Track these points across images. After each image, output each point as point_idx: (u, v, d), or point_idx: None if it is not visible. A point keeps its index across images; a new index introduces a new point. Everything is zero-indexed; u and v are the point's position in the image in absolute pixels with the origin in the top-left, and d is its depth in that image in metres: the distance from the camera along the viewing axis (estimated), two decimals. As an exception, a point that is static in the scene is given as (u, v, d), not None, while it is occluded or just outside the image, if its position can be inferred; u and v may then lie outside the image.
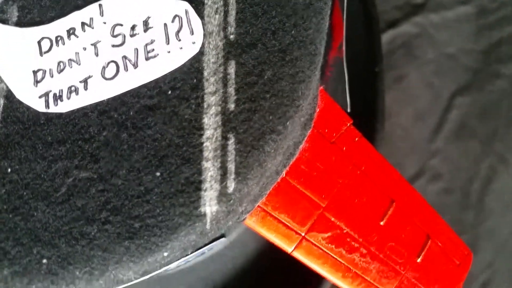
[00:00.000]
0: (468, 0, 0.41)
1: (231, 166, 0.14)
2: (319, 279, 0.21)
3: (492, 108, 0.41)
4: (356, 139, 0.17)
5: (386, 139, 0.36)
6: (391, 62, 0.39)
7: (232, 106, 0.15)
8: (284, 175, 0.16)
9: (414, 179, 0.38)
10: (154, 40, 0.16)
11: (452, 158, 0.40)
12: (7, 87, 0.15)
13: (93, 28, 0.16)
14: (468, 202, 0.39)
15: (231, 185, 0.14)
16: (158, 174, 0.14)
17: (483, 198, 0.40)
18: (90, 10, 0.16)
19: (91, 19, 0.16)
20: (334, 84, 0.24)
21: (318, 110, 0.17)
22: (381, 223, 0.16)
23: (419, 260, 0.17)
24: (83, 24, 0.16)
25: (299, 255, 0.16)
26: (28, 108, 0.15)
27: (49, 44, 0.16)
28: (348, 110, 0.24)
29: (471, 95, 0.40)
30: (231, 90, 0.15)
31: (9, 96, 0.15)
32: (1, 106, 0.15)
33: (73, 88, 0.15)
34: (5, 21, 0.16)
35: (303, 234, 0.16)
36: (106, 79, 0.15)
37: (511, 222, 0.40)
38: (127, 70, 0.15)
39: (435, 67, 0.40)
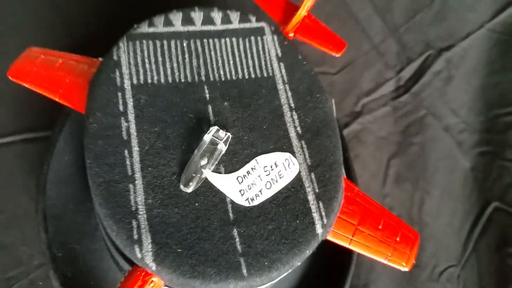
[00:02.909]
0: (386, 103, 0.69)
1: (324, 213, 0.38)
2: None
3: (414, 164, 0.67)
4: (360, 194, 0.42)
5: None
6: (350, 147, 0.65)
7: (318, 190, 0.39)
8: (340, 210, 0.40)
9: (380, 212, 0.63)
10: (280, 170, 0.40)
11: (397, 196, 0.65)
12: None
13: (256, 169, 0.40)
14: (413, 221, 0.64)
15: (325, 220, 0.38)
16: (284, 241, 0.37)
17: (421, 216, 0.65)
18: (254, 162, 0.40)
19: (255, 165, 0.40)
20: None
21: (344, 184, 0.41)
22: (379, 226, 0.41)
23: (397, 239, 0.42)
24: (252, 168, 0.40)
25: (355, 239, 0.40)
26: (242, 206, 0.38)
27: (241, 179, 0.39)
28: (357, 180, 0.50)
29: (400, 158, 0.67)
30: (316, 184, 0.39)
31: (232, 201, 0.38)
32: (230, 205, 0.38)
33: (257, 194, 0.39)
34: (219, 172, 0.39)
35: (355, 225, 0.40)
36: (267, 188, 0.39)
37: (440, 228, 0.65)
38: (273, 184, 0.39)
39: (375, 146, 0.67)
